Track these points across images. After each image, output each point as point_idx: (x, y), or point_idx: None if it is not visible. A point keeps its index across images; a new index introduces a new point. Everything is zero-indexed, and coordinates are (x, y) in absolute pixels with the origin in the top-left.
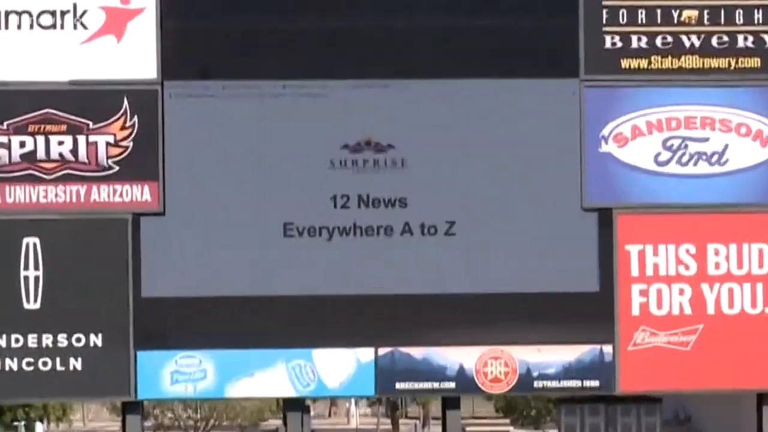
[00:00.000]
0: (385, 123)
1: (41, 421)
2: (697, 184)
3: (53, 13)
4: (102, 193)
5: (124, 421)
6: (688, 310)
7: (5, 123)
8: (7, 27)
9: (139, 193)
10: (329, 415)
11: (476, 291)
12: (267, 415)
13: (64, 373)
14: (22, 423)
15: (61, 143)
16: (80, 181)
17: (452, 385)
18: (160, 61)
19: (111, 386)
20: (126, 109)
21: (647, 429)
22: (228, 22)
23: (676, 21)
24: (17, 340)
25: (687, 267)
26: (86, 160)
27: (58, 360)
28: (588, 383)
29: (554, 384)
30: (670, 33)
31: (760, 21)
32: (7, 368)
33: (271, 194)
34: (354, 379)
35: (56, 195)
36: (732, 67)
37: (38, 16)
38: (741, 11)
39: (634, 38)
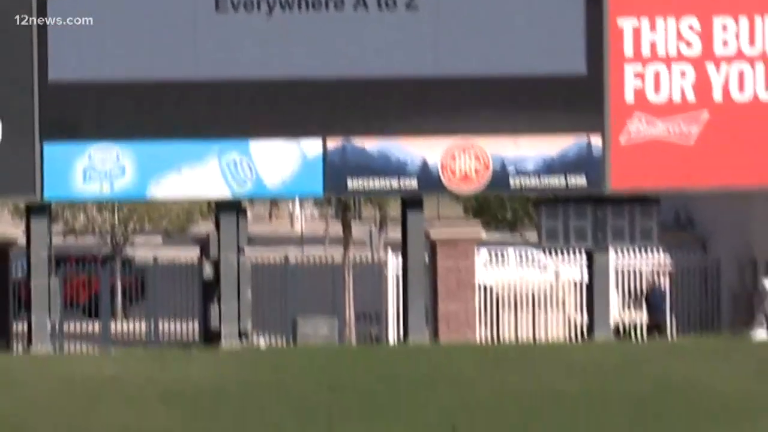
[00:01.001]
0: None
1: None
2: None
3: None
4: None
5: (28, 226)
6: (690, 96)
7: None
8: None
9: None
10: (270, 218)
11: (442, 74)
12: (196, 218)
13: None
14: None
15: None
16: None
17: (414, 182)
18: None
19: (12, 184)
20: None
21: (642, 233)
22: None
23: None
24: None
25: (690, 45)
26: None
27: None
28: (573, 180)
29: (533, 181)
30: None
31: None
32: None
33: None
34: (299, 177)
35: None
36: None
37: None
38: None
39: None
